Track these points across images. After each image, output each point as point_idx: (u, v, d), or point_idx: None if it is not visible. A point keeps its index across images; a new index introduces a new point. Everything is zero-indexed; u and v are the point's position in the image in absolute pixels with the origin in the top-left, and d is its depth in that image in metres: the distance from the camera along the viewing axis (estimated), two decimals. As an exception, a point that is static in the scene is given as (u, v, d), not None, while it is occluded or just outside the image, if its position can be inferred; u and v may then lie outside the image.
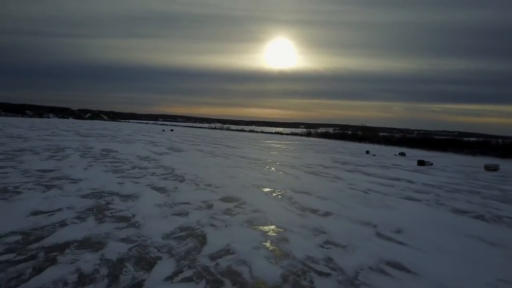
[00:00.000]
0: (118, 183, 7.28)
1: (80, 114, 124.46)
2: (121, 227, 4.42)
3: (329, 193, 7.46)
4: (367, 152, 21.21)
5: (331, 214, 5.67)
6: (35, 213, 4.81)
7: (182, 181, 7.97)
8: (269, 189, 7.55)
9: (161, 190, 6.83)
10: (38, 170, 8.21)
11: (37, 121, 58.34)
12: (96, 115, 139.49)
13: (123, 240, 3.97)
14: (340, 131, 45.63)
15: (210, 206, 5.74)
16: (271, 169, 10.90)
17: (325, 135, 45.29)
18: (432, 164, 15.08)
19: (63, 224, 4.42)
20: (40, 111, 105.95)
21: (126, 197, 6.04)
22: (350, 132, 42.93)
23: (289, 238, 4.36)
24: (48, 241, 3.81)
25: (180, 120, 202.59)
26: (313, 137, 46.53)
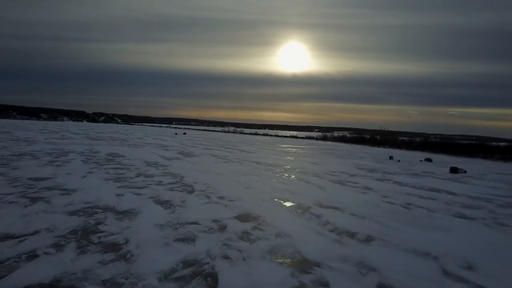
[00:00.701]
0: (117, 194, 6.26)
1: (94, 117, 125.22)
2: (106, 260, 3.37)
3: (363, 209, 6.30)
4: (391, 157, 19.90)
5: (374, 239, 4.52)
6: (2, 237, 3.80)
7: (191, 192, 6.91)
8: (292, 203, 6.42)
9: (165, 204, 5.78)
10: (29, 179, 7.25)
11: (50, 124, 58.33)
12: (110, 118, 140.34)
13: (105, 282, 2.91)
14: (358, 135, 44.13)
15: (223, 228, 4.65)
16: (291, 178, 9.78)
17: (342, 139, 43.88)
18: (465, 171, 13.72)
19: (32, 255, 3.39)
20: (55, 114, 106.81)
21: (122, 214, 4.99)
22: (368, 136, 41.45)
23: (329, 279, 3.25)
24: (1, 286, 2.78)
25: (194, 123, 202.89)
26: (329, 141, 45.18)
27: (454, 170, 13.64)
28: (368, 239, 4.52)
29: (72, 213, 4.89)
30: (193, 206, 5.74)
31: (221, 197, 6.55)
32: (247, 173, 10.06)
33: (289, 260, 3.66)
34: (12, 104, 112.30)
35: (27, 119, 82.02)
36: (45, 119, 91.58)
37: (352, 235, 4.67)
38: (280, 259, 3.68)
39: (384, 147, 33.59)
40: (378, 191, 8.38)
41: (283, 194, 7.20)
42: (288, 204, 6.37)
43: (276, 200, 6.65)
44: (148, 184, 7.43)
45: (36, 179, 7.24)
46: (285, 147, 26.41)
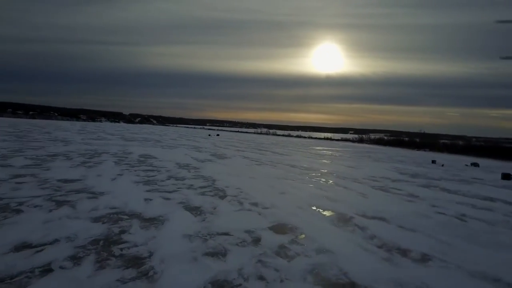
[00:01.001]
0: (145, 199, 5.93)
1: (130, 119, 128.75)
2: (126, 278, 2.98)
3: (412, 220, 5.64)
4: (433, 161, 18.78)
5: (430, 259, 3.90)
6: (19, 247, 3.50)
7: (223, 197, 6.49)
8: (332, 212, 5.86)
9: (195, 211, 5.38)
10: (59, 180, 7.09)
11: (88, 124, 60.24)
12: (146, 119, 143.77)
13: (121, 308, 2.51)
14: (395, 138, 42.51)
15: (257, 240, 4.17)
16: (328, 182, 9.18)
17: (379, 142, 42.41)
18: (519, 178, 12.57)
19: (46, 269, 3.05)
20: (93, 116, 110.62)
21: (149, 222, 4.63)
22: (407, 139, 39.81)
23: (385, 312, 2.69)
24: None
25: (227, 124, 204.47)
26: (365, 143, 43.82)
27: (506, 176, 12.53)
28: (424, 259, 3.90)
29: (96, 220, 4.57)
30: (225, 214, 5.31)
31: (254, 204, 6.09)
32: (281, 177, 9.55)
33: (334, 284, 3.13)
34: (54, 106, 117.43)
35: (67, 120, 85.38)
36: (84, 120, 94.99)
37: (404, 252, 4.07)
38: (324, 282, 3.15)
39: (424, 150, 32.05)
40: (425, 199, 7.64)
41: (321, 202, 6.64)
42: (327, 213, 5.81)
43: (314, 208, 6.10)
44: (178, 188, 7.08)
45: (66, 181, 7.06)
46: (320, 150, 25.65)
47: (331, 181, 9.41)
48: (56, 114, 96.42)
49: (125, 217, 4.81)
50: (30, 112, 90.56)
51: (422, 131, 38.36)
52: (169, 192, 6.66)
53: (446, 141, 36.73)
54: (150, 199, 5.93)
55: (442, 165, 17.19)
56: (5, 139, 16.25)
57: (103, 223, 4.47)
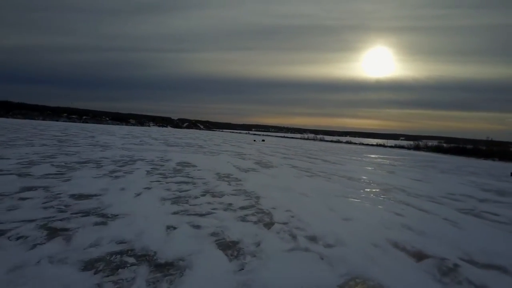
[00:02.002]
0: (168, 227, 4.48)
1: (178, 123, 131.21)
2: None
3: (554, 274, 3.74)
4: (513, 174, 16.05)
5: None
6: None
7: (269, 225, 4.90)
8: (424, 255, 4.08)
9: (231, 249, 3.84)
10: (71, 196, 5.85)
11: (136, 129, 61.19)
12: (193, 124, 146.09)
13: None
14: (457, 145, 38.79)
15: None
16: (400, 203, 7.32)
17: (437, 149, 38.90)
18: None
19: None
20: (142, 120, 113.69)
21: (163, 272, 3.15)
22: (470, 147, 36.12)
23: None
24: None
25: (273, 130, 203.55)
26: (422, 150, 40.49)
27: None
28: None
29: (88, 266, 3.16)
30: (272, 257, 3.72)
31: (312, 238, 4.44)
32: (340, 194, 7.82)
33: None
34: (106, 110, 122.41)
35: (117, 124, 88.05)
36: (133, 125, 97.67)
37: None
38: None
39: (493, 160, 28.62)
40: (544, 232, 5.60)
41: (402, 235, 4.85)
42: (418, 257, 4.04)
43: (396, 247, 4.34)
44: (213, 209, 5.60)
45: (80, 197, 5.81)
46: (375, 158, 23.36)
47: (402, 201, 7.54)
48: (108, 119, 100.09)
49: (132, 260, 3.37)
50: (84, 117, 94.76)
51: (490, 139, 34.40)
52: (201, 215, 5.18)
53: (517, 149, 32.82)
54: (174, 228, 4.47)
55: (528, 179, 14.50)
56: (45, 144, 15.76)
57: (96, 272, 3.06)
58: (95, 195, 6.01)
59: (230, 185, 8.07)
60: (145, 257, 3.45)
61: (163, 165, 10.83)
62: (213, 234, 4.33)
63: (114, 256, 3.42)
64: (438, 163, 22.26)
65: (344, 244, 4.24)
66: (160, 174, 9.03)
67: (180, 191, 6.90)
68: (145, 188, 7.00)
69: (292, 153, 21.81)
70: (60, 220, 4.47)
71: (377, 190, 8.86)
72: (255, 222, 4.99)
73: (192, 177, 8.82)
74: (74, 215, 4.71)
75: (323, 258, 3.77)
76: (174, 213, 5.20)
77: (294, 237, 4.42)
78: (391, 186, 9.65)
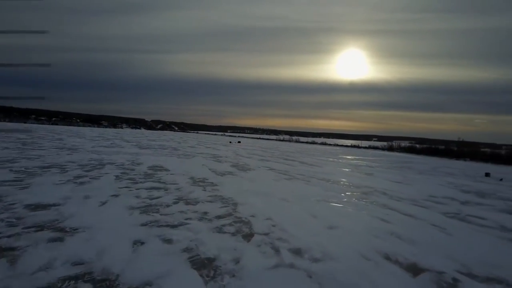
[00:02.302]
0: (135, 242, 3.96)
1: (152, 125, 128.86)
2: None
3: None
4: (487, 174, 16.22)
5: None
6: None
7: (248, 237, 4.46)
8: (419, 268, 3.74)
9: (206, 269, 3.37)
10: (27, 206, 5.22)
11: (108, 131, 59.39)
12: (168, 126, 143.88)
13: None
14: (429, 146, 39.46)
15: None
16: (384, 207, 7.04)
17: (410, 150, 39.49)
18: None
19: None
20: (115, 122, 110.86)
21: (124, 302, 2.64)
22: (442, 147, 36.81)
23: None
24: None
25: (248, 131, 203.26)
26: (396, 151, 41.03)
27: None
28: None
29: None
30: (254, 276, 3.27)
31: (297, 251, 4.03)
32: (321, 199, 7.46)
33: None
34: (78, 112, 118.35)
35: (88, 126, 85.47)
36: (105, 127, 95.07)
37: None
38: None
39: (465, 160, 29.21)
40: (533, 237, 5.40)
41: (393, 244, 4.51)
42: (413, 269, 3.69)
43: (387, 258, 3.99)
44: (187, 219, 5.09)
45: (36, 207, 5.19)
46: (352, 159, 23.31)
47: (386, 205, 7.26)
48: (78, 120, 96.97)
49: (88, 287, 2.83)
50: (53, 118, 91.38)
51: (461, 139, 35.15)
52: (173, 226, 4.68)
53: (486, 149, 33.65)
54: (142, 243, 3.96)
55: (501, 179, 14.65)
56: (7, 147, 14.73)
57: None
58: (54, 205, 5.39)
59: (205, 190, 7.57)
60: (105, 283, 2.93)
61: (133, 169, 10.19)
62: (186, 249, 3.84)
63: (67, 283, 2.88)
64: (413, 164, 22.42)
65: (332, 258, 3.84)
66: (130, 179, 8.43)
67: (151, 198, 6.35)
68: (112, 195, 6.41)
69: (269, 155, 21.44)
70: (8, 236, 3.87)
71: (358, 193, 8.57)
72: (233, 234, 4.53)
73: (164, 182, 8.26)
74: (26, 230, 4.11)
75: (311, 276, 3.35)
76: (143, 224, 4.67)
77: (277, 250, 3.99)
78: (372, 189, 9.39)
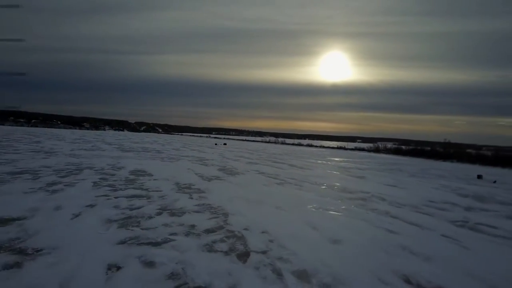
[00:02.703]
0: (110, 266, 3.33)
1: (136, 127, 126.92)
2: None
3: None
4: (480, 176, 15.98)
5: None
6: None
7: (244, 257, 3.85)
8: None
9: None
10: (-16, 221, 4.49)
11: (89, 133, 57.89)
12: (152, 127, 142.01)
13: None
14: (415, 147, 39.47)
15: None
16: (385, 215, 6.56)
17: (397, 152, 39.48)
18: None
19: None
20: (97, 124, 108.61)
21: None
22: (428, 148, 36.84)
23: None
24: None
25: (233, 133, 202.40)
26: (383, 153, 40.95)
27: None
28: None
29: None
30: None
31: (302, 274, 3.44)
32: (318, 206, 6.91)
33: None
34: (59, 114, 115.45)
35: (70, 128, 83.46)
36: (87, 129, 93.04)
37: None
38: None
39: (452, 162, 29.18)
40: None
41: (407, 262, 3.97)
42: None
43: (406, 281, 3.46)
44: (171, 234, 4.46)
45: (-4, 222, 4.46)
46: (340, 161, 22.91)
47: (387, 212, 6.76)
48: (59, 122, 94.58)
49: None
50: (33, 120, 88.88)
51: (447, 141, 35.22)
52: (156, 244, 4.04)
53: (471, 150, 33.79)
54: (118, 267, 3.32)
55: (494, 182, 14.40)
56: (-23, 150, 13.76)
57: None
58: (19, 219, 4.68)
59: (192, 198, 6.93)
60: (67, 329, 2.28)
61: (114, 175, 9.47)
62: (172, 275, 3.21)
63: (16, 331, 2.23)
64: (402, 165, 22.15)
65: (345, 283, 3.27)
66: (109, 186, 7.72)
67: (131, 209, 5.69)
68: (88, 205, 5.72)
69: (256, 158, 20.86)
70: (-48, 263, 3.18)
71: (355, 199, 8.06)
72: (226, 253, 3.91)
73: (147, 189, 7.59)
74: (-23, 254, 3.42)
75: (323, 309, 2.76)
76: (121, 242, 4.02)
77: (279, 274, 3.40)
78: (369, 194, 8.89)
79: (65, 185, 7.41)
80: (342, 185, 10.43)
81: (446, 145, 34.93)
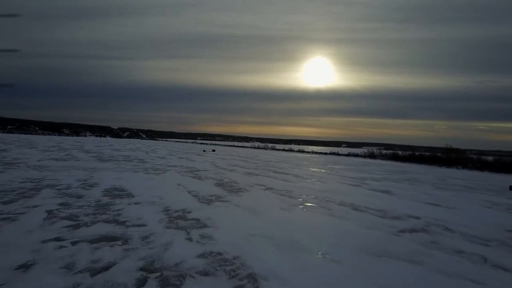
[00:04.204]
0: None
1: (119, 133, 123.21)
2: None
3: None
4: (512, 188, 14.02)
5: None
6: None
7: None
8: None
9: None
10: None
11: (68, 139, 54.65)
12: (135, 133, 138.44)
13: None
14: (414, 153, 37.74)
15: None
16: (474, 259, 4.35)
17: (394, 157, 37.68)
18: None
19: None
20: (78, 130, 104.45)
21: None
22: (427, 154, 35.12)
23: None
24: None
25: (219, 138, 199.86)
26: (379, 159, 39.11)
27: None
28: None
29: None
30: None
31: None
32: (375, 247, 4.73)
33: None
34: (39, 120, 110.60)
35: (48, 134, 79.68)
36: (67, 135, 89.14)
37: None
38: None
39: (457, 168, 27.43)
40: None
41: None
42: None
43: None
44: None
45: None
46: (344, 169, 20.78)
47: (481, 257, 4.57)
48: (37, 128, 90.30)
49: None
50: (9, 127, 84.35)
51: (449, 145, 33.55)
52: None
53: (473, 156, 32.22)
54: None
55: (534, 194, 12.43)
56: None
57: None
58: None
59: (190, 240, 4.64)
60: None
61: (81, 197, 7.10)
62: None
63: None
64: (413, 173, 20.15)
65: None
66: (69, 217, 5.36)
67: (94, 271, 3.37)
68: (19, 267, 3.38)
69: (253, 167, 18.58)
70: None
71: (412, 230, 5.91)
72: None
73: (124, 223, 5.26)
74: None
75: None
76: None
77: None
78: (421, 221, 6.75)
79: (1, 219, 5.01)
80: (375, 205, 8.26)
81: (449, 150, 33.22)
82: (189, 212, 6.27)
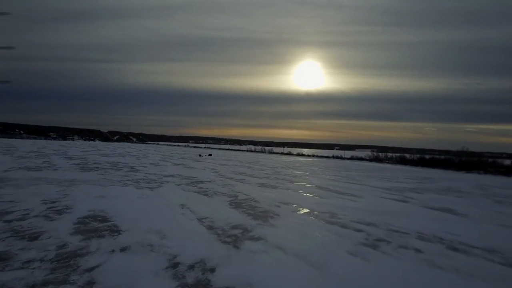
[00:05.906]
0: None
1: (108, 136, 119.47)
2: None
3: None
4: None
5: None
6: None
7: None
8: None
9: None
10: None
11: (53, 143, 51.44)
12: (125, 137, 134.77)
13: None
14: (424, 157, 35.56)
15: None
16: None
17: (403, 161, 35.39)
18: None
19: None
20: (65, 133, 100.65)
21: None
22: (443, 157, 32.89)
23: None
24: None
25: (210, 141, 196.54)
26: (386, 163, 36.79)
27: None
28: None
29: None
30: None
31: None
32: None
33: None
34: (25, 123, 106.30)
35: (34, 138, 76.09)
36: (53, 138, 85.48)
37: None
38: None
39: (479, 173, 25.19)
40: None
41: None
42: None
43: None
44: None
45: None
46: (363, 177, 18.31)
47: None
48: (22, 132, 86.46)
49: None
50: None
51: (466, 149, 31.34)
52: None
53: (489, 159, 30.09)
54: None
55: None
56: None
57: None
58: None
59: None
60: None
61: (38, 237, 4.51)
62: None
63: None
64: (443, 181, 17.75)
65: None
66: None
67: None
68: None
69: (262, 175, 16.02)
70: None
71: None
72: None
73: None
74: None
75: None
76: None
77: None
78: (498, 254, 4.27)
79: None
80: (465, 236, 5.82)
81: (467, 154, 30.93)
82: (212, 270, 3.73)
